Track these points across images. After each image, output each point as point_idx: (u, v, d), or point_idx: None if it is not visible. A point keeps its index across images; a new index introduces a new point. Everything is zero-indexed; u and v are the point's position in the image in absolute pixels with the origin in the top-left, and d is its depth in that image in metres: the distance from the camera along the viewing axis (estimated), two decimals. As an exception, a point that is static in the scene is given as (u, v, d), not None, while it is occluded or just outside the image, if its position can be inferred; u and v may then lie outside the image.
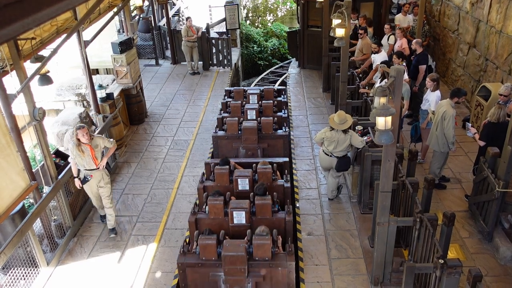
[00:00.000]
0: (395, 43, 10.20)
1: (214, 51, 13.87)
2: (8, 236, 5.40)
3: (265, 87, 9.79)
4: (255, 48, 19.86)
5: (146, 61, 14.50)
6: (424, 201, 5.43)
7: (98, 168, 6.39)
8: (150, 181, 8.24)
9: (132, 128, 10.24)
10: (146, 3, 15.21)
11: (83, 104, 9.33)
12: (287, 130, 8.09)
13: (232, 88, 9.90)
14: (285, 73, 17.06)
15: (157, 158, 9.02)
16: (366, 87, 9.21)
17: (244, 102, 8.93)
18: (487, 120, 6.74)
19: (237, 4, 15.87)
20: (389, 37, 10.43)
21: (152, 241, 6.74)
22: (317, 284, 5.80)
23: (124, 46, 9.70)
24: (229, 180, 6.34)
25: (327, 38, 10.85)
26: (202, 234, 5.31)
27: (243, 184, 6.17)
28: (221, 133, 8.08)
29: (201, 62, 13.80)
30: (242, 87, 9.86)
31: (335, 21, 7.62)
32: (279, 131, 7.99)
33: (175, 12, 17.35)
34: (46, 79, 6.53)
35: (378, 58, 9.22)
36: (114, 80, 10.11)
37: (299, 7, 13.28)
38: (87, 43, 7.85)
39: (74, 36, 7.38)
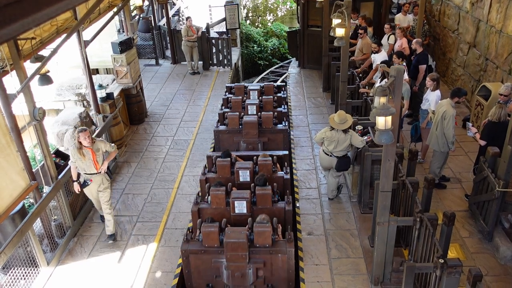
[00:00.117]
0: (395, 42, 10.20)
1: (214, 51, 13.87)
2: (8, 236, 5.40)
3: (265, 83, 9.97)
4: (255, 48, 19.85)
5: (146, 61, 14.50)
6: (424, 200, 5.43)
7: (99, 172, 6.31)
8: (150, 181, 8.25)
9: (132, 128, 10.24)
10: (146, 3, 15.21)
11: (83, 104, 9.33)
12: (286, 124, 8.28)
13: (233, 84, 10.07)
14: (285, 72, 17.06)
15: (157, 158, 9.02)
16: (366, 87, 9.21)
17: (244, 98, 9.11)
18: (487, 119, 6.74)
19: (237, 4, 15.87)
20: (389, 36, 10.43)
21: (152, 241, 6.74)
22: (317, 284, 5.80)
23: (124, 46, 9.70)
24: (231, 172, 6.50)
25: (327, 38, 10.85)
26: (205, 222, 5.46)
27: (244, 175, 6.32)
28: (222, 127, 8.27)
29: (201, 62, 13.80)
30: (243, 83, 10.01)
31: (335, 21, 7.62)
32: (279, 125, 8.20)
33: (175, 12, 17.35)
34: (46, 79, 6.53)
35: (378, 58, 9.21)
36: (114, 80, 10.11)
37: (299, 7, 13.28)
38: (87, 43, 7.85)
39: (74, 36, 7.38)
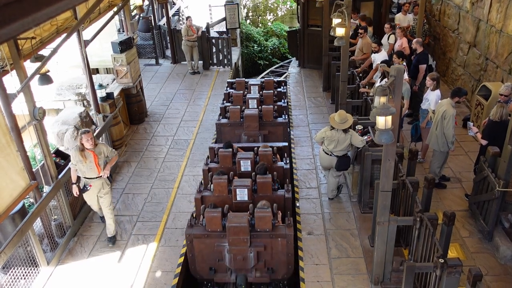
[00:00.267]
0: (395, 42, 10.19)
1: (214, 50, 13.86)
2: (8, 235, 5.40)
3: (265, 78, 10.10)
4: (255, 47, 19.84)
5: (146, 60, 14.50)
6: (424, 200, 5.43)
7: (100, 177, 6.21)
8: (150, 180, 8.25)
9: (132, 128, 10.24)
10: (146, 2, 15.21)
11: (83, 103, 9.32)
12: (286, 118, 8.50)
13: (234, 80, 10.23)
14: (285, 72, 17.05)
15: (157, 157, 9.02)
16: (366, 87, 9.21)
17: (245, 92, 9.31)
18: (487, 119, 6.74)
19: (237, 4, 15.87)
20: (389, 36, 10.43)
21: (152, 240, 6.74)
22: (317, 284, 5.80)
23: (124, 46, 9.70)
24: (232, 162, 6.70)
25: (327, 37, 10.85)
26: (208, 207, 5.69)
27: (245, 165, 6.50)
28: (224, 120, 8.48)
29: (201, 62, 13.79)
30: (244, 79, 10.16)
31: (335, 21, 7.62)
32: (279, 118, 8.40)
33: (175, 11, 17.34)
34: (46, 79, 6.52)
35: (378, 58, 9.21)
36: (114, 79, 10.11)
37: (299, 6, 13.28)
38: (87, 43, 7.84)
39: (74, 36, 7.37)
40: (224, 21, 15.83)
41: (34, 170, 6.09)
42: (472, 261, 5.95)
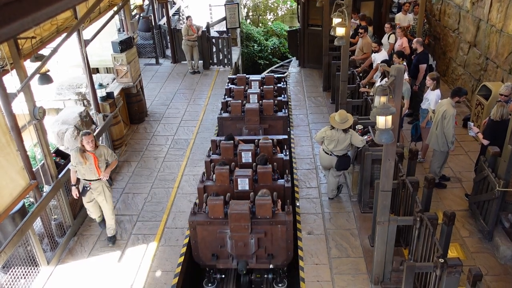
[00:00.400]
0: (395, 42, 10.19)
1: (214, 50, 13.86)
2: (9, 235, 5.40)
3: (266, 74, 10.21)
4: (255, 47, 19.83)
5: (146, 60, 14.50)
6: (424, 200, 5.43)
7: (100, 179, 6.15)
8: (150, 180, 8.25)
9: (132, 127, 10.24)
10: (146, 2, 15.20)
11: (83, 103, 9.33)
12: (286, 112, 8.75)
13: (235, 76, 10.44)
14: (286, 72, 17.04)
15: (157, 157, 9.02)
16: (367, 86, 9.20)
17: (246, 88, 9.56)
18: (488, 118, 6.73)
19: (237, 3, 15.86)
20: (389, 36, 10.42)
21: (152, 240, 6.74)
22: (317, 283, 5.80)
23: (124, 45, 9.70)
24: (234, 154, 6.90)
25: (327, 37, 10.84)
26: (211, 196, 5.87)
27: (246, 157, 6.72)
28: (225, 114, 8.71)
29: (202, 61, 13.79)
30: (244, 75, 10.36)
31: (336, 20, 7.61)
32: (279, 113, 8.64)
33: (175, 11, 17.33)
34: (46, 78, 6.52)
35: (378, 57, 9.21)
36: (114, 79, 10.11)
37: (299, 6, 13.27)
38: (87, 42, 7.84)
39: (74, 35, 7.37)
40: (224, 21, 15.82)
41: (34, 169, 6.09)
42: (472, 261, 5.94)
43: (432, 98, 7.47)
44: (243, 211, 5.60)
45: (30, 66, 6.08)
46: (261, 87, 9.45)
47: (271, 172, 6.30)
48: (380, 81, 8.17)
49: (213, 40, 13.69)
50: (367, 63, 10.07)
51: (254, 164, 6.50)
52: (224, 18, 15.82)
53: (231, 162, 6.66)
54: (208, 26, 13.97)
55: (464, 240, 6.34)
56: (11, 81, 5.49)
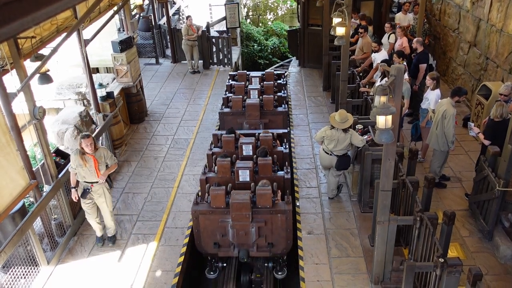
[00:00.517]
0: (395, 41, 10.18)
1: (214, 49, 13.85)
2: (9, 234, 5.40)
3: (266, 70, 10.63)
4: (255, 46, 19.82)
5: (146, 59, 14.49)
6: (424, 200, 5.42)
7: (99, 182, 6.07)
8: (150, 180, 8.24)
9: (132, 127, 10.24)
10: (146, 1, 15.19)
11: (83, 102, 9.32)
12: (286, 107, 8.94)
13: (235, 72, 10.58)
14: (286, 71, 17.03)
15: (157, 157, 9.02)
16: (367, 86, 9.20)
17: (247, 84, 9.73)
18: (487, 118, 6.73)
19: (237, 3, 15.85)
20: (389, 35, 10.42)
21: (152, 240, 6.74)
22: (317, 283, 5.80)
23: (124, 45, 9.69)
24: (235, 147, 7.09)
25: (327, 36, 10.84)
26: (213, 186, 6.04)
27: (247, 149, 6.90)
28: (226, 109, 8.91)
29: (201, 61, 13.78)
30: (245, 71, 10.52)
31: (336, 20, 7.61)
32: (279, 108, 8.84)
33: (175, 10, 17.32)
34: (46, 78, 6.51)
35: (378, 57, 9.20)
36: (114, 78, 10.10)
37: (299, 5, 13.26)
38: (87, 42, 7.84)
39: (74, 35, 7.37)
40: (224, 21, 15.82)
41: (34, 169, 6.09)
42: (472, 260, 5.95)
43: (432, 98, 7.47)
44: (244, 201, 5.76)
45: (30, 65, 6.07)
46: (261, 83, 9.61)
47: (271, 164, 6.45)
48: (380, 81, 8.16)
49: (213, 39, 13.69)
50: (367, 63, 10.06)
51: (255, 156, 6.66)
52: (224, 18, 15.82)
53: (232, 154, 6.82)
54: (208, 26, 13.97)
55: (464, 240, 6.34)
56: (11, 80, 5.49)
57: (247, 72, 10.37)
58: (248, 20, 23.30)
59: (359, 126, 7.37)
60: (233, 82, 9.82)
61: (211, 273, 6.39)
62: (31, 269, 5.81)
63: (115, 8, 9.22)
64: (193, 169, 8.52)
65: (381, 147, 5.07)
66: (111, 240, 6.65)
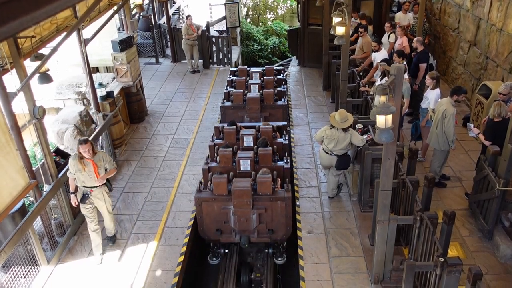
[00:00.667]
0: (395, 41, 10.18)
1: (214, 49, 13.85)
2: (8, 234, 5.40)
3: (266, 66, 10.85)
4: (255, 46, 19.81)
5: (146, 59, 14.48)
6: (425, 199, 5.42)
7: (100, 186, 6.01)
8: (150, 179, 8.24)
9: (132, 127, 10.24)
10: (146, 1, 15.20)
11: (83, 102, 9.32)
12: (285, 101, 9.25)
13: (236, 68, 10.79)
14: (286, 71, 17.03)
15: (157, 156, 9.02)
16: (367, 86, 9.20)
17: (248, 79, 9.92)
18: (487, 117, 6.72)
19: (237, 2, 15.85)
20: (389, 35, 10.41)
21: (152, 239, 6.74)
22: (317, 282, 5.80)
23: (124, 44, 9.69)
24: (236, 138, 7.32)
25: (327, 36, 10.83)
26: (215, 174, 6.26)
27: (248, 141, 7.10)
28: (228, 103, 9.11)
29: (201, 61, 13.77)
30: (245, 67, 10.64)
31: (336, 19, 7.61)
32: (279, 101, 9.08)
33: (175, 10, 17.32)
34: (46, 78, 6.51)
35: (378, 56, 9.20)
36: (114, 78, 10.10)
37: (299, 5, 13.25)
38: (87, 41, 7.83)
39: (74, 34, 7.36)
40: (224, 20, 15.81)
41: (34, 169, 6.09)
42: (472, 260, 5.95)
43: (432, 97, 7.46)
44: (245, 188, 5.95)
45: (30, 65, 6.07)
46: (262, 78, 9.81)
47: (271, 154, 6.67)
48: (380, 80, 8.15)
49: (213, 39, 13.68)
50: (367, 62, 10.06)
51: (255, 147, 6.89)
52: (224, 17, 15.81)
53: (234, 146, 7.02)
54: (208, 25, 13.96)
55: (464, 239, 6.34)
56: (11, 80, 5.48)
57: (248, 68, 10.54)
58: (248, 20, 23.29)
59: (359, 126, 7.37)
60: (234, 77, 10.01)
61: (214, 259, 6.62)
62: (31, 268, 5.81)
63: (115, 7, 9.21)
64: (193, 169, 8.52)
65: (381, 147, 5.07)
66: (111, 239, 6.64)
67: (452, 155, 7.92)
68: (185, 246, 6.54)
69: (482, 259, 5.96)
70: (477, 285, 4.02)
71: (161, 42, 14.81)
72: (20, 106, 5.70)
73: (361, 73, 10.03)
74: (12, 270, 5.45)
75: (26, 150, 5.86)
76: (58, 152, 7.45)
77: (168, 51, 14.70)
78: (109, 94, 8.72)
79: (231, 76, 10.36)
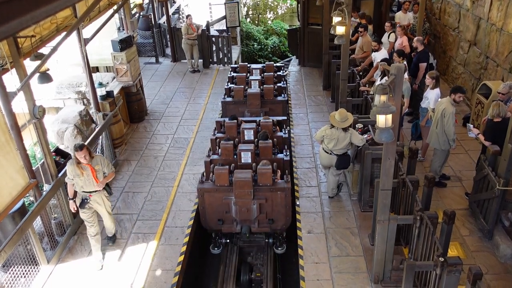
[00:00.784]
0: (395, 41, 10.17)
1: (214, 49, 13.85)
2: (8, 234, 5.40)
3: (266, 63, 11.03)
4: (255, 46, 19.82)
5: (146, 59, 14.47)
6: (425, 199, 5.42)
7: (98, 190, 5.94)
8: (150, 179, 8.24)
9: (132, 126, 10.24)
10: (146, 0, 15.18)
11: (83, 102, 9.31)
12: (285, 96, 9.41)
13: (237, 65, 10.96)
14: (285, 70, 17.03)
15: (157, 156, 9.02)
16: (367, 85, 9.19)
17: (248, 75, 10.10)
18: (487, 117, 6.71)
19: (237, 2, 15.84)
20: (389, 34, 10.41)
21: (153, 239, 6.74)
22: (317, 282, 5.80)
23: (124, 44, 9.68)
24: (237, 132, 7.51)
25: (327, 36, 10.83)
26: (217, 165, 6.42)
27: (249, 134, 7.30)
28: (229, 99, 9.32)
29: (201, 60, 13.77)
30: (246, 63, 10.84)
31: (336, 19, 7.60)
32: (278, 97, 9.26)
33: (175, 10, 17.30)
34: (46, 77, 6.51)
35: (378, 56, 9.19)
36: (114, 78, 10.09)
37: (299, 4, 13.25)
38: (87, 41, 7.83)
39: (74, 34, 7.36)
40: (224, 20, 15.81)
41: (34, 168, 6.08)
42: (472, 259, 5.95)
43: (431, 97, 7.46)
44: (246, 179, 6.13)
45: (29, 65, 6.06)
46: (262, 75, 9.97)
47: (271, 147, 6.85)
48: (380, 80, 8.15)
49: (213, 39, 13.68)
50: (367, 62, 10.05)
51: (256, 140, 7.08)
52: (224, 17, 15.81)
53: (235, 139, 7.19)
54: (208, 25, 13.96)
55: (464, 239, 6.34)
56: (11, 80, 5.48)
57: (248, 64, 10.68)
58: (248, 19, 23.28)
59: (359, 125, 7.37)
60: (235, 74, 10.17)
61: (215, 249, 6.81)
62: (31, 268, 5.81)
63: (115, 7, 9.20)
64: (193, 168, 8.52)
65: (381, 146, 5.07)
66: (111, 239, 6.64)
67: (452, 154, 7.91)
68: (185, 246, 6.54)
69: (482, 259, 5.96)
70: (477, 285, 4.02)
71: (161, 41, 14.80)
72: (20, 105, 5.70)
73: (361, 73, 10.03)
74: (12, 270, 5.45)
75: (26, 149, 5.85)
76: (58, 151, 7.45)
77: (168, 51, 14.70)
78: (109, 94, 8.72)
79: (232, 72, 10.53)
